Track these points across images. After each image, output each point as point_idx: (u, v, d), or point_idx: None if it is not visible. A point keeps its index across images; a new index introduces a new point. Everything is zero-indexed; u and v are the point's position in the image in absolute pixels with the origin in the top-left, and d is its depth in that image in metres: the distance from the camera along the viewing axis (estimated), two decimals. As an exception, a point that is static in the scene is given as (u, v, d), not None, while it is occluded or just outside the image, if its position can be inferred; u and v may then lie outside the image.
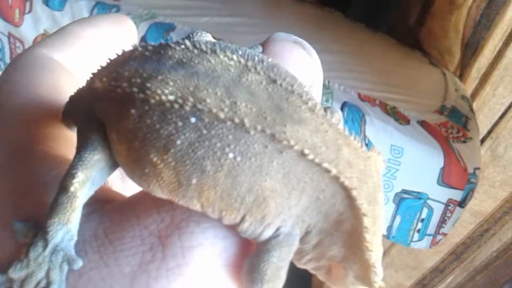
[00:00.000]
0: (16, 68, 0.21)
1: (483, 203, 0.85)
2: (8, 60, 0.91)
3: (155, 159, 0.16)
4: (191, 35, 0.19)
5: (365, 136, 0.76)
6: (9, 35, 0.87)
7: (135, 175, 0.17)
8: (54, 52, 0.22)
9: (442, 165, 0.74)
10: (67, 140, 0.20)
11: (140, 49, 0.17)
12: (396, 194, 0.77)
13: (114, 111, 0.16)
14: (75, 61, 0.21)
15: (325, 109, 0.17)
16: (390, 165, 0.76)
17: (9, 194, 0.17)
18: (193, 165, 0.15)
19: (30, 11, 0.84)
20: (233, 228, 0.16)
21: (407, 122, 0.78)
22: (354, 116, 0.77)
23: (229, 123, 0.15)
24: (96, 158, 0.16)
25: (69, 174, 0.16)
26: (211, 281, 0.16)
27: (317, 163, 0.16)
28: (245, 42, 0.83)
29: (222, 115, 0.15)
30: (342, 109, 0.77)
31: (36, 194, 0.17)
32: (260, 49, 0.20)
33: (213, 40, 0.18)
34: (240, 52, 0.16)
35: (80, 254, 0.16)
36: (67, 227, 0.16)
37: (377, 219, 0.17)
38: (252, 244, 0.17)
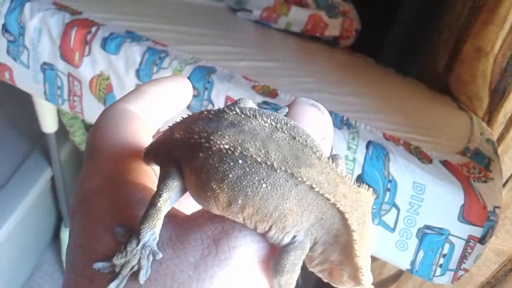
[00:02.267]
0: (106, 117, 0.30)
1: (506, 242, 0.87)
2: (66, 97, 1.01)
3: (214, 186, 0.24)
4: (237, 101, 0.27)
5: (389, 173, 0.81)
6: (69, 75, 0.98)
7: (199, 197, 0.25)
8: (132, 105, 0.31)
9: (462, 202, 0.78)
10: (146, 173, 0.29)
11: (205, 112, 0.26)
12: (419, 229, 0.81)
13: (188, 154, 0.25)
14: (147, 112, 0.31)
15: (331, 157, 0.26)
16: (413, 202, 0.80)
17: (108, 209, 0.26)
18: (239, 191, 0.24)
19: (89, 54, 0.94)
20: (263, 236, 0.25)
21: (430, 161, 0.83)
22: (379, 154, 0.82)
23: (263, 164, 0.24)
24: (175, 184, 0.25)
25: (157, 194, 0.25)
26: (248, 272, 0.24)
27: (321, 193, 0.24)
28: (280, 84, 0.90)
29: (259, 159, 0.24)
30: (367, 147, 0.83)
31: (129, 208, 0.25)
32: (286, 109, 0.29)
33: (254, 106, 0.27)
34: (272, 117, 0.25)
35: (160, 250, 0.24)
36: (153, 230, 0.24)
37: (365, 235, 0.25)
38: (276, 248, 0.25)
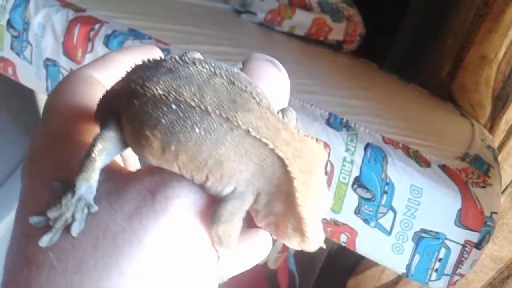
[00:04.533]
0: (66, 81, 0.29)
1: (503, 249, 0.87)
2: (68, 93, 1.01)
3: (148, 133, 0.23)
4: (184, 53, 0.26)
5: (386, 176, 0.81)
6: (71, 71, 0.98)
7: (136, 147, 0.24)
8: (95, 73, 0.30)
9: (459, 206, 0.78)
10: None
11: (145, 61, 0.25)
12: (415, 233, 0.81)
13: (125, 103, 0.24)
14: (111, 81, 0.29)
15: (281, 110, 0.25)
16: (410, 205, 0.80)
17: (50, 167, 0.25)
18: (172, 137, 0.23)
19: (91, 51, 0.95)
20: (202, 187, 0.24)
21: (428, 165, 0.83)
22: (377, 156, 0.82)
23: (197, 109, 0.23)
24: (110, 135, 0.24)
25: (91, 144, 0.24)
26: (185, 223, 0.23)
27: (258, 138, 0.23)
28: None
29: (193, 104, 0.23)
30: (365, 149, 0.82)
31: (71, 166, 0.24)
32: (241, 65, 0.28)
33: (201, 57, 0.26)
34: (212, 64, 0.24)
35: (96, 203, 0.23)
36: (89, 183, 0.23)
37: (311, 186, 0.24)
38: (216, 199, 0.24)
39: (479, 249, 0.78)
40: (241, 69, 0.28)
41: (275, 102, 0.26)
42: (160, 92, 0.23)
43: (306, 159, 0.24)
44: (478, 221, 0.77)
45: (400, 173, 0.81)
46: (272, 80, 0.28)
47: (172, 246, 0.23)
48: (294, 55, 1.21)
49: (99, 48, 0.95)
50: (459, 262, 0.79)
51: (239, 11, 1.29)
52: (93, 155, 0.24)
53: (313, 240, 0.25)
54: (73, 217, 0.23)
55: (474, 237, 0.78)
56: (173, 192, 0.24)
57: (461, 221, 0.78)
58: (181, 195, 0.24)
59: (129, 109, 0.24)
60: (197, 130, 0.23)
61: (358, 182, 0.82)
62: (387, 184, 0.81)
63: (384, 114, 0.97)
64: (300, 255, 1.29)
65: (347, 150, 0.84)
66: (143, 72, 0.24)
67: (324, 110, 0.89)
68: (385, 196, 0.81)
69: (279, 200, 0.24)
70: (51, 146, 0.26)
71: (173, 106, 0.23)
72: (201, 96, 0.23)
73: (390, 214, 0.81)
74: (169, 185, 0.24)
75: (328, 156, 0.84)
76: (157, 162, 0.24)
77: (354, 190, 0.83)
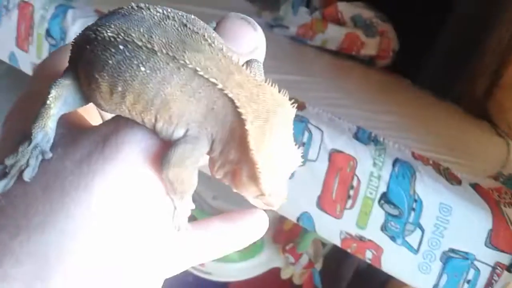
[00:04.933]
0: (55, 52, 0.30)
1: (538, 273, 0.83)
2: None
3: (96, 75, 0.23)
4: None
5: (414, 192, 0.79)
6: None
7: (88, 92, 0.24)
8: None
9: (490, 227, 0.75)
10: None
11: (108, 12, 0.25)
12: (444, 252, 0.78)
13: (79, 50, 0.24)
14: None
15: (247, 63, 0.25)
16: (439, 223, 0.77)
17: (19, 120, 0.25)
18: (118, 77, 0.23)
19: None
20: (154, 132, 0.24)
21: (459, 183, 0.80)
22: (405, 172, 0.80)
23: (144, 48, 0.22)
24: (67, 83, 0.25)
25: (47, 92, 0.24)
26: (135, 167, 0.23)
27: (206, 78, 0.23)
28: (308, 97, 0.90)
29: (140, 43, 0.23)
30: (393, 164, 0.81)
31: None
32: (215, 24, 0.27)
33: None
34: (166, 9, 0.24)
35: (52, 151, 0.23)
36: (44, 130, 0.24)
37: (267, 133, 0.23)
38: (169, 144, 0.24)
39: (510, 271, 0.75)
40: (214, 29, 0.27)
41: (248, 58, 0.26)
42: (110, 34, 0.23)
43: (263, 104, 0.23)
44: (510, 243, 0.74)
45: (429, 190, 0.78)
46: (245, 37, 0.27)
47: (120, 191, 0.22)
48: (325, 69, 1.21)
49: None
50: (489, 285, 0.76)
51: (271, 25, 1.30)
52: (47, 102, 0.24)
53: (270, 191, 0.24)
54: (27, 163, 0.23)
55: (505, 259, 0.74)
56: (124, 138, 0.23)
57: (492, 242, 0.75)
58: (132, 140, 0.23)
59: (82, 55, 0.24)
60: (143, 69, 0.22)
61: (385, 198, 0.80)
62: (415, 201, 0.79)
63: (415, 130, 0.95)
64: (327, 271, 1.26)
65: (374, 165, 0.82)
66: (99, 20, 0.24)
67: (352, 123, 0.88)
68: (412, 213, 0.79)
69: (233, 146, 0.24)
70: (25, 104, 0.26)
71: (121, 47, 0.23)
72: (149, 37, 0.23)
73: (418, 232, 0.79)
74: (122, 131, 0.24)
75: (355, 170, 0.82)
76: (108, 106, 0.24)
77: (381, 206, 0.81)
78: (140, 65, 0.22)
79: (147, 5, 0.24)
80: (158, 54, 0.22)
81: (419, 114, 1.08)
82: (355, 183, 0.83)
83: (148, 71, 0.22)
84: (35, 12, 1.04)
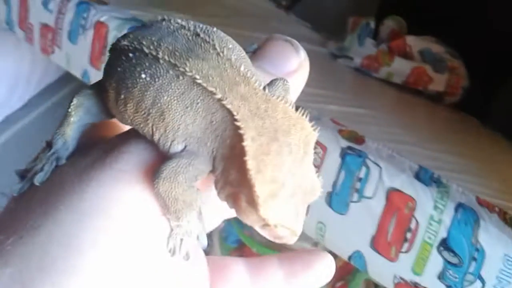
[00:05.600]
0: None
1: None
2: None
3: (107, 83, 0.23)
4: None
5: (477, 241, 0.73)
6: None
7: (106, 101, 0.24)
8: None
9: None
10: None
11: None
12: (507, 309, 0.72)
13: (107, 60, 0.24)
14: None
15: (271, 81, 0.23)
16: (502, 277, 0.71)
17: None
18: (122, 84, 0.22)
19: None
20: (155, 145, 0.22)
21: (527, 235, 0.74)
22: (468, 218, 0.75)
23: (149, 55, 0.21)
24: (89, 92, 0.24)
25: (71, 100, 0.24)
26: (131, 178, 0.22)
27: (204, 87, 0.21)
28: (369, 132, 0.87)
29: (147, 51, 0.22)
30: (456, 209, 0.76)
31: None
32: (256, 46, 0.26)
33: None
34: (190, 21, 0.22)
35: (68, 159, 0.24)
36: (64, 138, 0.24)
37: (273, 154, 0.20)
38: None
39: None
40: (256, 50, 0.26)
41: (293, 84, 0.24)
42: (125, 43, 0.23)
43: (271, 121, 0.21)
44: None
45: (494, 240, 0.73)
46: (285, 59, 0.25)
47: (112, 202, 0.21)
48: (389, 103, 1.17)
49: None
50: None
51: (335, 55, 1.28)
52: (68, 110, 0.24)
53: (275, 221, 0.21)
54: (42, 168, 0.23)
55: None
56: (127, 148, 0.23)
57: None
58: (133, 150, 0.22)
59: (106, 64, 0.24)
60: (143, 76, 0.21)
61: (444, 245, 0.75)
62: (477, 250, 0.73)
63: (482, 174, 0.89)
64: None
65: (435, 208, 0.77)
66: (127, 31, 0.24)
67: (414, 162, 0.84)
68: (473, 263, 0.73)
69: (233, 165, 0.21)
70: None
71: (130, 55, 0.22)
72: (158, 45, 0.22)
73: (478, 284, 0.73)
74: (127, 141, 0.23)
75: (414, 212, 0.78)
76: (117, 116, 0.23)
77: (440, 252, 0.76)
78: (142, 72, 0.22)
79: (170, 17, 0.24)
80: (161, 61, 0.21)
81: (487, 157, 1.02)
82: (413, 225, 0.78)
83: (148, 78, 0.22)
84: (110, 32, 1.07)
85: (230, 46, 0.22)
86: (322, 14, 1.57)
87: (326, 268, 0.28)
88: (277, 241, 0.23)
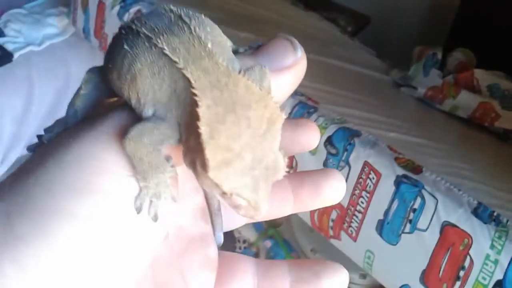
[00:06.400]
0: None
1: None
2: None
3: (106, 58, 0.26)
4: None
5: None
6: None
7: (106, 75, 0.26)
8: None
9: None
10: None
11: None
12: None
13: None
14: None
15: (248, 68, 0.24)
16: None
17: None
18: (112, 56, 0.25)
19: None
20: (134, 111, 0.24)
21: None
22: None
23: (134, 31, 0.25)
24: (98, 69, 0.27)
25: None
26: (112, 137, 0.23)
27: (170, 57, 0.22)
28: (427, 162, 0.84)
29: (134, 27, 0.24)
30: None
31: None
32: (260, 43, 0.27)
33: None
34: (181, 8, 0.25)
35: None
36: (74, 108, 0.27)
37: (230, 125, 0.21)
38: None
39: None
40: (259, 46, 0.27)
41: (273, 74, 0.25)
42: (123, 24, 0.25)
43: (229, 94, 0.22)
44: None
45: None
46: (280, 54, 0.26)
47: (90, 155, 0.23)
48: (451, 136, 1.13)
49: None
50: None
51: (399, 84, 1.26)
52: (80, 84, 0.27)
53: (229, 189, 0.22)
54: (51, 130, 0.26)
55: None
56: (112, 113, 0.25)
57: None
58: (116, 116, 0.24)
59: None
60: (125, 46, 0.24)
61: (499, 287, 0.71)
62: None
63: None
64: None
65: (492, 247, 0.73)
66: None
67: (473, 198, 0.80)
68: (531, 311, 0.69)
69: (192, 132, 0.22)
70: None
71: (123, 31, 0.25)
72: (144, 23, 0.24)
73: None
74: (115, 108, 0.25)
75: (469, 250, 0.74)
76: (112, 87, 0.26)
77: (494, 295, 0.72)
78: (125, 43, 0.24)
79: (170, 5, 0.26)
80: (141, 35, 0.24)
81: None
82: (467, 263, 0.74)
83: (128, 48, 0.24)
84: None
85: (208, 29, 0.24)
86: (387, 42, 1.56)
87: (336, 282, 0.29)
88: (240, 213, 0.23)
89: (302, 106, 0.93)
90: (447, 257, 0.76)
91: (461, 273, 0.75)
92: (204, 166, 0.21)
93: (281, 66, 0.26)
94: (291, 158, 0.92)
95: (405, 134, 0.97)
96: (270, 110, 0.22)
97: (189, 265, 0.29)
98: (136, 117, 0.24)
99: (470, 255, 0.74)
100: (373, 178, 0.82)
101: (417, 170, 0.83)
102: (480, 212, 0.78)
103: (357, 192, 0.84)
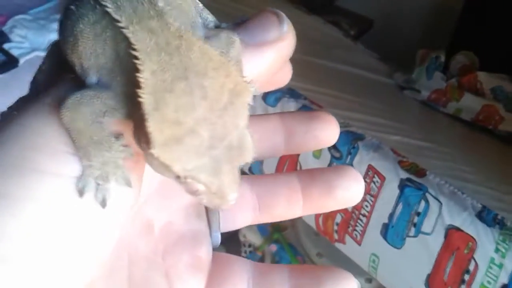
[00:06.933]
0: None
1: None
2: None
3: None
4: None
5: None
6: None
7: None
8: None
9: None
10: None
11: None
12: None
13: None
14: None
15: (214, 34, 0.21)
16: None
17: None
18: (63, 20, 0.21)
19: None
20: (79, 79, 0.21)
21: None
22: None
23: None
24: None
25: None
26: (53, 108, 0.20)
27: (112, 15, 0.19)
28: (431, 165, 0.84)
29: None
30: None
31: None
32: (246, 18, 0.24)
33: None
34: None
35: None
36: (35, 83, 0.24)
37: (179, 93, 0.18)
38: None
39: None
40: (243, 21, 0.24)
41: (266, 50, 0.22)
42: None
43: (180, 58, 0.18)
44: None
45: None
46: (265, 27, 0.23)
47: (30, 128, 0.20)
48: (455, 139, 1.13)
49: (257, 103, 0.99)
50: None
51: (402, 87, 1.26)
52: (43, 58, 0.24)
53: (180, 168, 0.18)
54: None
55: None
56: (57, 83, 0.22)
57: None
58: (60, 85, 0.21)
59: None
60: (72, 7, 0.21)
61: (504, 290, 0.71)
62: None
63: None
64: None
65: (496, 250, 0.73)
66: None
67: (477, 201, 0.80)
68: (536, 314, 0.69)
69: (135, 103, 0.19)
70: None
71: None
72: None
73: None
74: (61, 78, 0.22)
75: (473, 253, 0.74)
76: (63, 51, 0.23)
77: (499, 298, 0.72)
78: (73, 4, 0.21)
79: None
80: None
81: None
82: (471, 267, 0.74)
83: (73, 9, 0.21)
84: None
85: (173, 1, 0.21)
86: (390, 45, 1.56)
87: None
88: (203, 202, 0.20)
89: (305, 110, 0.93)
90: (452, 260, 0.76)
91: (466, 277, 0.75)
92: (148, 142, 0.18)
93: (262, 40, 0.23)
94: (294, 161, 0.92)
95: (409, 137, 0.97)
96: (233, 80, 0.19)
97: (174, 265, 0.26)
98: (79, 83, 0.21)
99: (474, 259, 0.74)
100: (377, 182, 0.82)
101: (421, 173, 0.83)
102: (484, 216, 0.78)
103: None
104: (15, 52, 1.36)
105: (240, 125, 0.19)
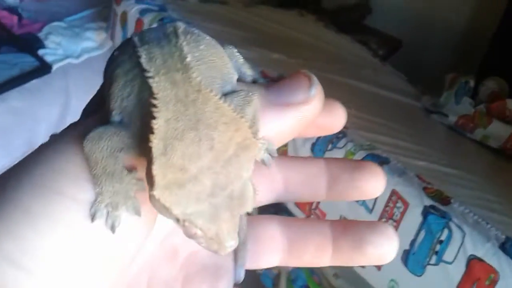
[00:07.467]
0: None
1: None
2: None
3: None
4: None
5: None
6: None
7: None
8: None
9: None
10: None
11: None
12: None
13: None
14: None
15: (235, 91, 0.22)
16: None
17: None
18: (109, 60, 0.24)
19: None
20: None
21: None
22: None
23: (130, 42, 0.23)
24: None
25: None
26: (80, 137, 0.21)
27: (142, 66, 0.21)
28: (456, 193, 0.83)
29: (132, 38, 0.23)
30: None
31: None
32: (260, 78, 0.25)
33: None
34: (189, 28, 0.24)
35: None
36: (85, 112, 0.26)
37: (188, 141, 0.19)
38: None
39: None
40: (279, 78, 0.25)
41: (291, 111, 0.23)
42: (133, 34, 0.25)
43: (195, 110, 0.20)
44: None
45: None
46: (293, 87, 0.23)
47: (60, 156, 0.21)
48: (482, 167, 1.12)
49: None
50: None
51: (430, 111, 1.25)
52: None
53: (179, 212, 0.19)
54: None
55: None
56: (93, 116, 0.23)
57: None
58: (92, 118, 0.23)
59: None
60: (116, 52, 0.23)
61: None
62: None
63: None
64: None
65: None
66: None
67: (502, 232, 0.79)
68: None
69: (147, 146, 0.20)
70: None
71: (128, 40, 0.24)
72: (141, 35, 0.23)
73: None
74: (100, 112, 0.23)
75: (495, 285, 0.73)
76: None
77: (520, 334, 0.70)
78: (118, 49, 0.24)
79: (182, 23, 0.24)
80: (131, 44, 0.23)
81: None
82: (494, 299, 0.73)
83: (117, 54, 0.23)
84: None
85: (202, 47, 0.23)
86: (419, 67, 1.55)
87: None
88: (202, 246, 0.20)
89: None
90: (472, 291, 0.75)
91: (487, 309, 0.74)
92: (152, 184, 0.19)
93: (287, 101, 0.23)
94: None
95: (435, 163, 0.96)
96: (242, 135, 0.20)
97: None
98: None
99: (496, 292, 0.73)
100: (401, 207, 0.81)
101: (446, 201, 0.82)
102: (507, 247, 0.77)
103: (383, 220, 0.84)
104: (48, 58, 1.39)
105: (243, 176, 0.20)
